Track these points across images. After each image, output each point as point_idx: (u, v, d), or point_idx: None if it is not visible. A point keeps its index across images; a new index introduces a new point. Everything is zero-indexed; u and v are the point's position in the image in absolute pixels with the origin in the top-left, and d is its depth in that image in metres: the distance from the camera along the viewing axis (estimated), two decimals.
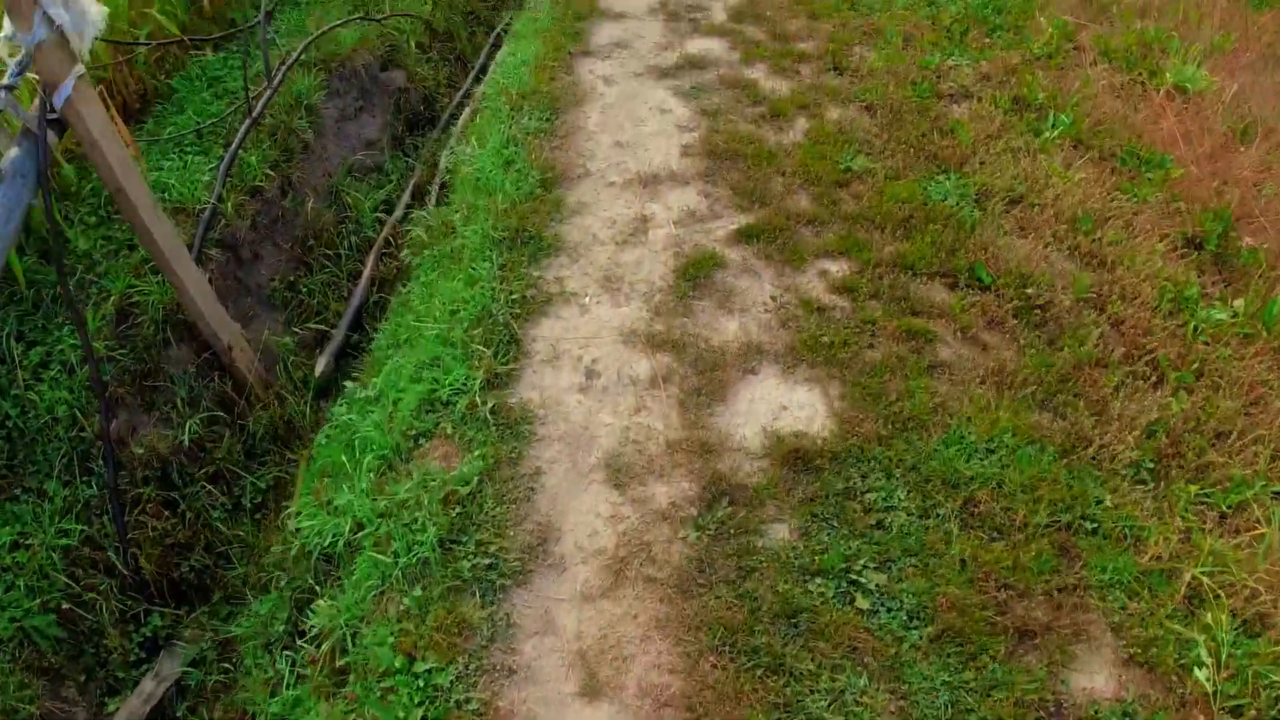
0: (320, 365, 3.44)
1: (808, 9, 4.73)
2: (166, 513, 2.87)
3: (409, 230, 3.74)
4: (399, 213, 4.32)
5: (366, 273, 3.95)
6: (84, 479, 2.72)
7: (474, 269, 2.95)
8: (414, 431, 2.49)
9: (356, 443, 2.53)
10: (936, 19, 4.76)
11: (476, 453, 2.33)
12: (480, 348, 2.61)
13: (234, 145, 3.65)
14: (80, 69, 2.37)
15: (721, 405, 2.53)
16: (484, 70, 5.42)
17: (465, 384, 2.53)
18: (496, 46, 5.53)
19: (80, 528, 2.55)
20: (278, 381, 3.50)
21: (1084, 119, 4.01)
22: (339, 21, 4.45)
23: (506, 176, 3.37)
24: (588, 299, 2.88)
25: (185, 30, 4.58)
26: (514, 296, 2.83)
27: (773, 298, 2.88)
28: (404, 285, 3.47)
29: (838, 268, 3.00)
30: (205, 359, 3.32)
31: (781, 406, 2.53)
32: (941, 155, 3.61)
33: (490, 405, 2.48)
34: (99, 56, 3.70)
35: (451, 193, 3.75)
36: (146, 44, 4.00)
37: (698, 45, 4.35)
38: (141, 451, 2.96)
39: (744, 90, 3.96)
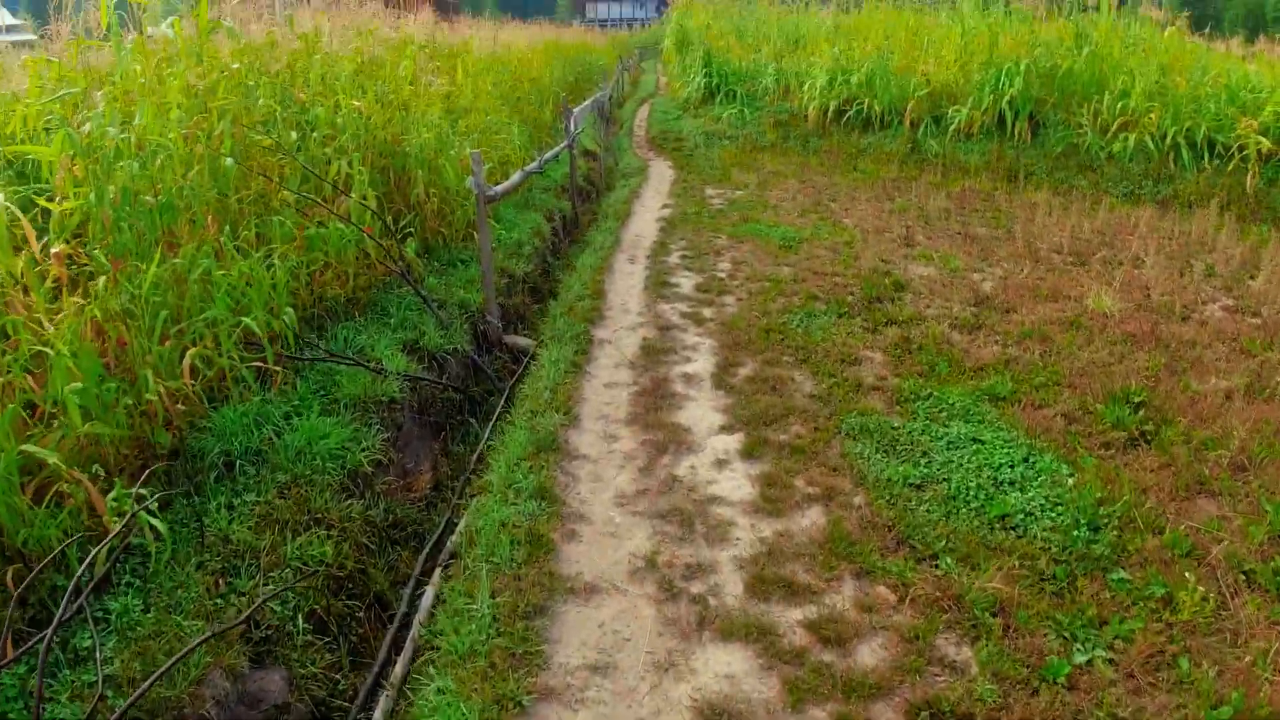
0: None
1: (846, 556, 3.44)
2: None
3: None
4: None
5: None
6: None
7: None
8: None
9: None
10: (1028, 558, 3.50)
11: None
12: None
13: None
14: None
15: None
16: (406, 625, 3.95)
17: None
18: (422, 584, 4.12)
19: None
20: None
21: None
22: (178, 655, 2.94)
23: None
24: None
25: None
26: None
27: None
28: None
29: None
30: None
31: None
32: None
33: None
34: None
35: None
36: None
37: (713, 665, 2.92)
38: None
39: None
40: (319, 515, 4.15)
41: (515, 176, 7.04)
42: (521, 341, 6.32)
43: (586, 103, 12.86)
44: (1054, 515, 3.86)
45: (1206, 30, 17.31)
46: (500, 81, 12.33)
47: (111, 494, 3.74)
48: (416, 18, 12.41)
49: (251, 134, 5.95)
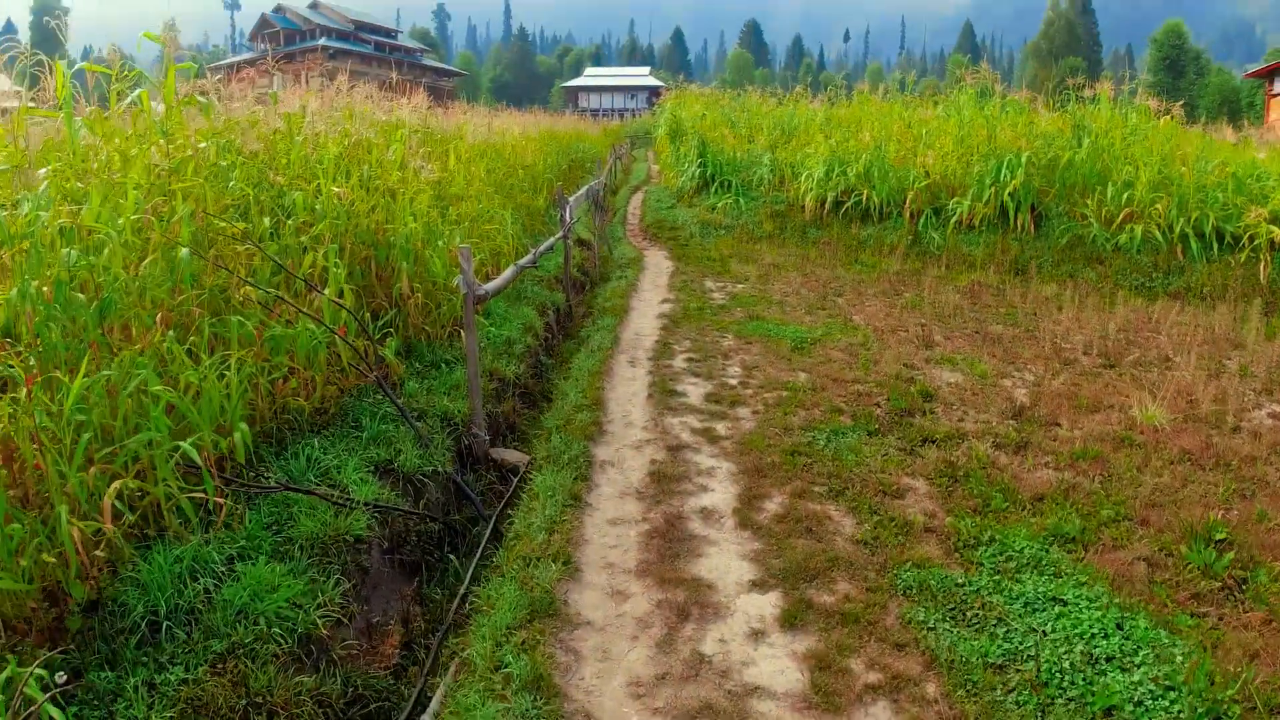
0: None
1: None
2: None
3: None
4: None
5: None
6: None
7: None
8: None
9: None
10: None
11: None
12: None
13: None
14: None
15: None
16: None
17: None
18: None
19: None
20: None
21: None
22: None
23: None
24: None
25: None
26: None
27: None
28: None
29: None
30: None
31: None
32: None
33: None
34: None
35: None
36: None
37: None
38: None
39: None
40: (260, 698, 3.35)
41: (507, 272, 6.46)
42: (511, 457, 5.60)
43: (581, 191, 12.49)
44: (1168, 704, 3.13)
45: (1201, 120, 17.45)
46: (494, 169, 11.96)
47: (5, 673, 2.97)
48: (410, 102, 12.13)
49: (215, 221, 5.34)
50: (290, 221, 6.07)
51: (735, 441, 5.20)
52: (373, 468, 4.83)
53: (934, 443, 5.25)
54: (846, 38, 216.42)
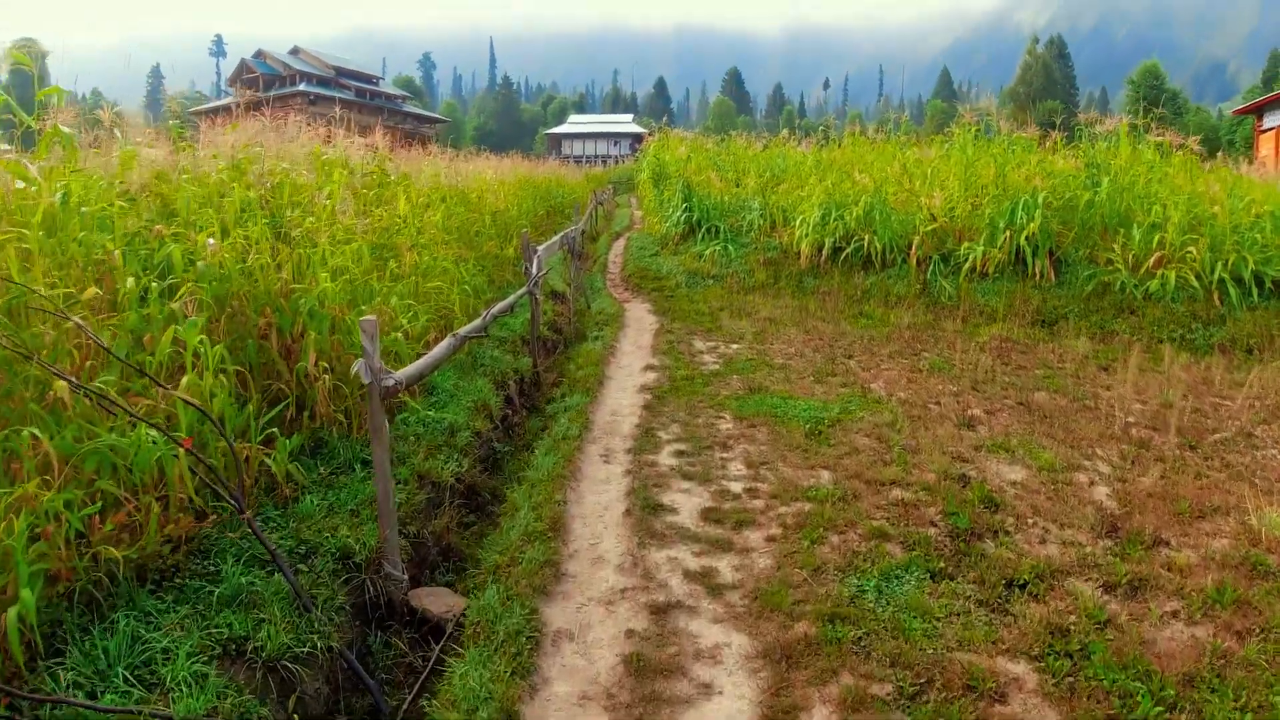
0: None
1: None
2: None
3: None
4: None
5: None
6: None
7: None
8: None
9: None
10: None
11: None
12: None
13: None
14: None
15: None
16: None
17: None
18: None
19: None
20: None
21: None
22: None
23: None
24: None
25: None
26: None
27: None
28: None
29: None
30: None
31: None
32: None
33: None
34: None
35: None
36: None
37: None
38: None
39: None
40: None
41: (439, 348, 4.97)
42: (436, 605, 4.07)
43: (554, 239, 11.12)
44: None
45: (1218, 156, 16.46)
46: (454, 214, 10.61)
47: None
48: (368, 140, 10.89)
49: (23, 289, 3.87)
50: (157, 284, 4.63)
51: (747, 594, 3.67)
52: (218, 651, 3.28)
53: (1022, 588, 3.76)
54: (826, 85, 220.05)
